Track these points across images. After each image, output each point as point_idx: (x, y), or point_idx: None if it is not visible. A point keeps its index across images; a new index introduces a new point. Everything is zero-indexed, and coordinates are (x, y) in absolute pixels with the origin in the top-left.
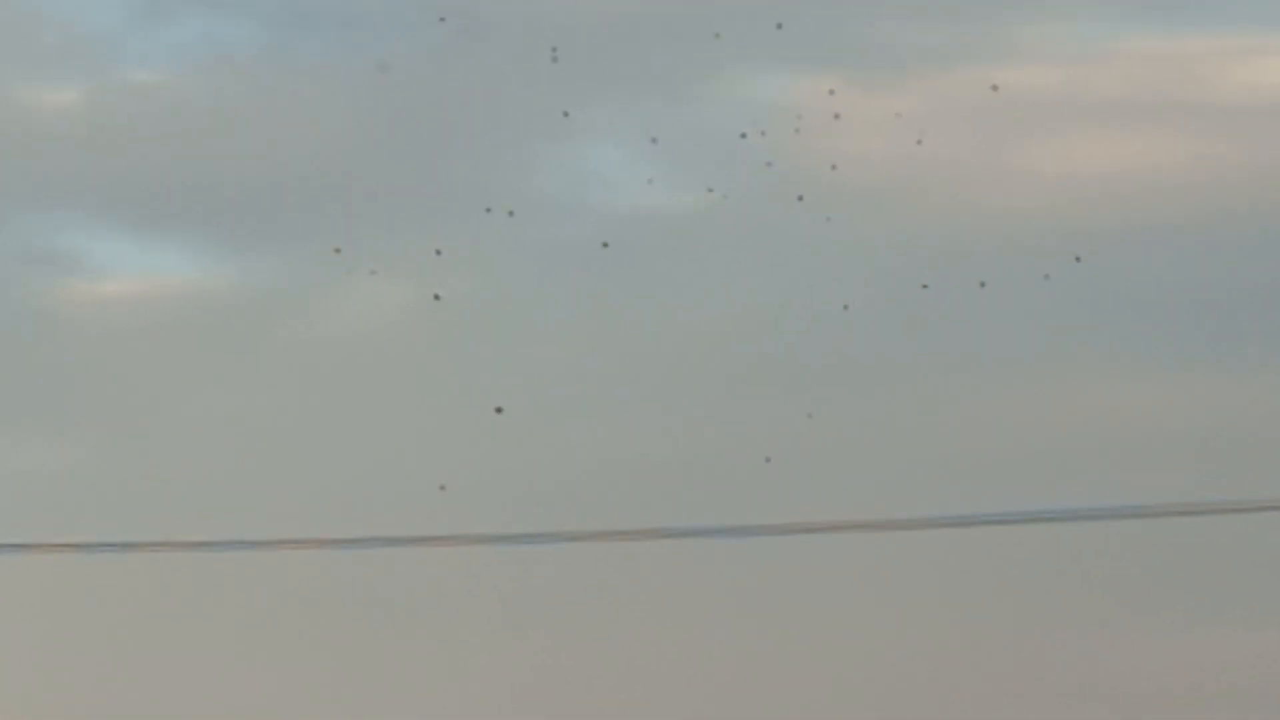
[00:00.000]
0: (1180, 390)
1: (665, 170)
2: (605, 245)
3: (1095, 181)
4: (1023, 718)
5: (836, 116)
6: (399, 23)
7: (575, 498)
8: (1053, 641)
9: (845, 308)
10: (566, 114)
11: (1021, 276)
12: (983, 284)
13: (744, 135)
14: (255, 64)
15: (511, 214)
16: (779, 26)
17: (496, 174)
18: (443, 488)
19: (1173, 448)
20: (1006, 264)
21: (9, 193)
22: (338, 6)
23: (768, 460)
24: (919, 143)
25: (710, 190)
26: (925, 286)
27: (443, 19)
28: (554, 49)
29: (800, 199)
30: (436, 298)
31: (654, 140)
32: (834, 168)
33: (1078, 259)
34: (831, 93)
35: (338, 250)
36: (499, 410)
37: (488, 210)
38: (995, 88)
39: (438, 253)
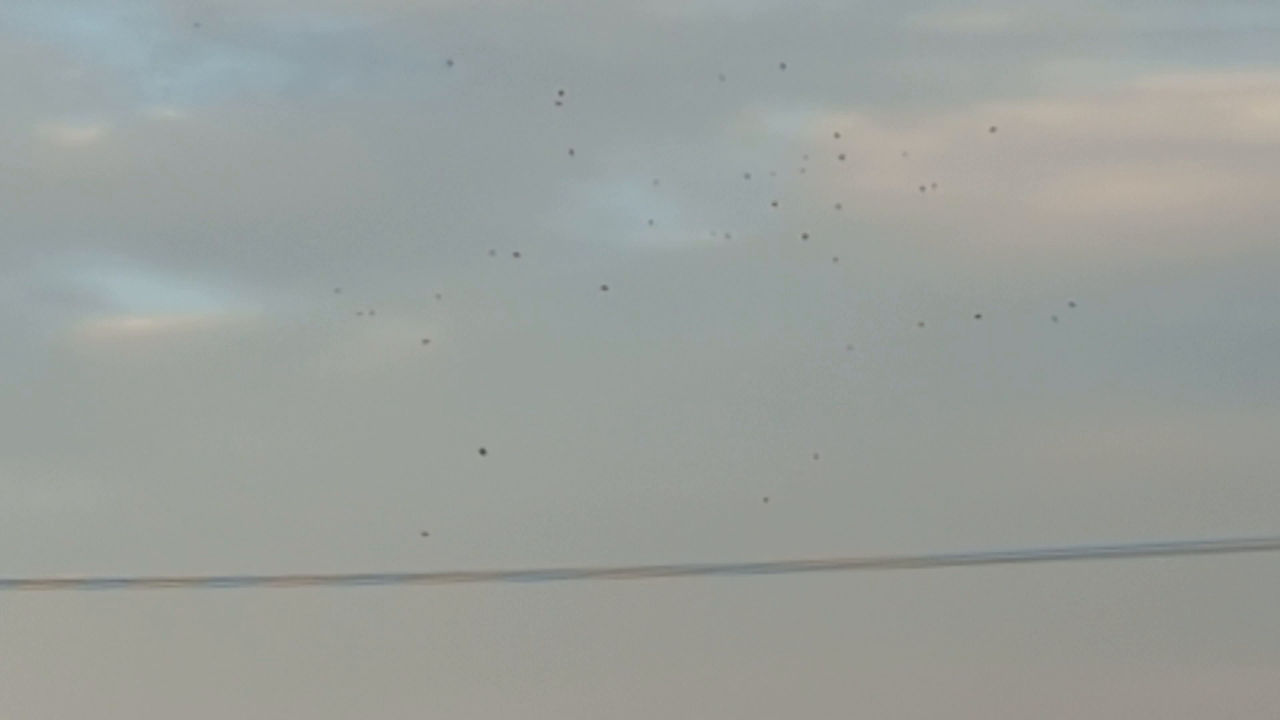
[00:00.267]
0: (1200, 428)
1: (669, 211)
2: (605, 288)
3: (1113, 219)
4: None
5: (842, 158)
6: (420, 61)
7: (582, 534)
8: (1057, 680)
9: (849, 348)
10: (572, 152)
11: (1031, 316)
12: (987, 322)
13: (748, 176)
14: (278, 101)
15: (517, 255)
16: (782, 67)
17: (504, 215)
18: (424, 534)
19: (1184, 486)
20: (1015, 303)
21: (31, 229)
22: (361, 44)
23: (766, 500)
24: (933, 187)
25: (713, 231)
26: (921, 324)
27: (450, 62)
28: (560, 92)
29: (805, 238)
30: (425, 342)
31: (656, 182)
32: (839, 207)
33: (1071, 304)
34: (837, 136)
35: (338, 290)
36: (483, 452)
37: (491, 253)
38: (993, 129)
39: (438, 296)
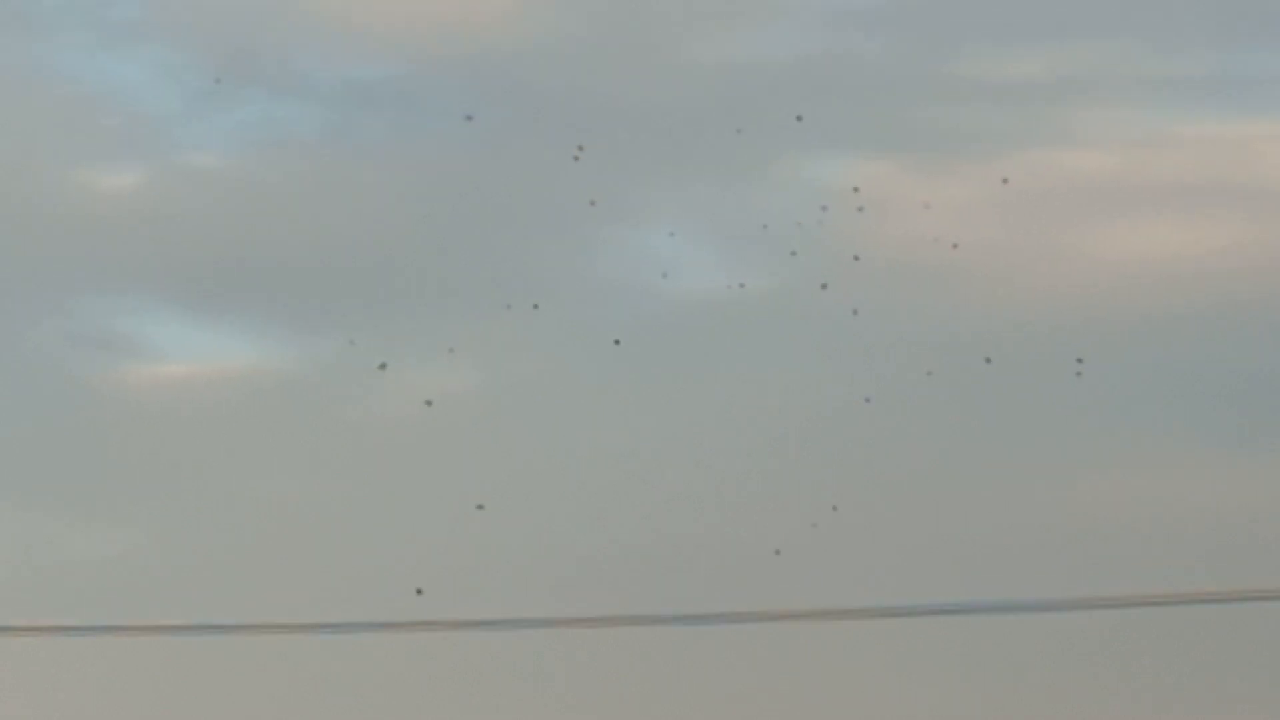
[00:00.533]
0: (1233, 473)
1: (686, 261)
2: (617, 342)
3: (1146, 265)
4: None
5: (860, 210)
6: (451, 108)
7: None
8: None
9: (867, 400)
10: (593, 203)
11: (1057, 364)
12: (1010, 371)
13: (766, 226)
14: (313, 147)
15: (536, 307)
16: (799, 119)
17: (524, 267)
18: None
19: (1214, 532)
20: (1039, 352)
21: (68, 276)
22: (395, 91)
23: (778, 553)
24: (957, 238)
25: (729, 284)
26: (930, 373)
27: (470, 117)
28: (580, 147)
29: (824, 287)
30: (429, 404)
31: (672, 234)
32: (857, 259)
33: (1079, 360)
34: (856, 190)
35: (352, 342)
36: (480, 507)
37: (508, 306)
38: (1005, 180)
39: (450, 351)
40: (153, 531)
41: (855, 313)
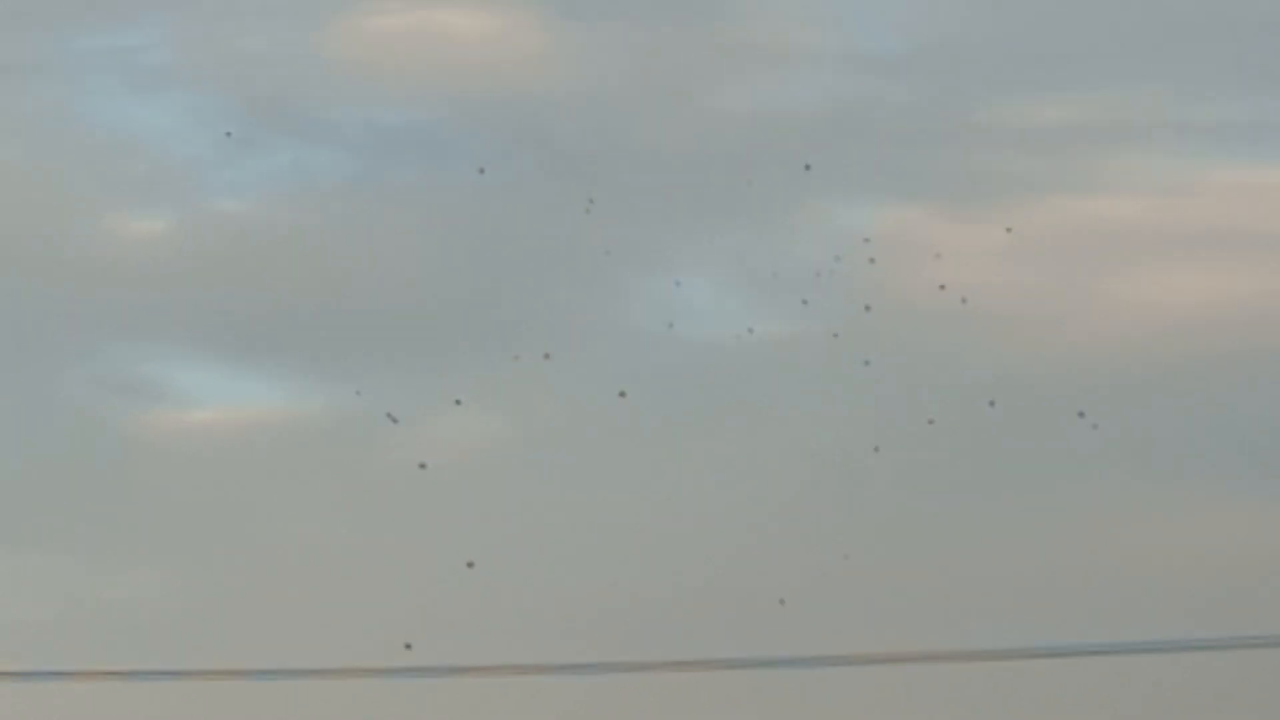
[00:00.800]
0: (1257, 523)
1: (696, 310)
2: (623, 394)
3: (1176, 312)
4: None
5: (872, 261)
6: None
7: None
8: None
9: (876, 450)
10: (609, 252)
11: (1061, 416)
12: (1025, 422)
13: (776, 275)
14: (343, 193)
15: (548, 357)
16: (807, 168)
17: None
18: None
19: (1225, 582)
20: (1056, 402)
21: (96, 321)
22: (426, 135)
23: (782, 602)
24: (963, 301)
25: (739, 333)
26: (937, 423)
27: (482, 170)
28: (591, 200)
29: (836, 336)
30: (422, 466)
31: (678, 283)
32: (868, 309)
33: (1081, 414)
34: (867, 240)
35: (359, 393)
36: (470, 565)
37: (516, 358)
38: (1009, 229)
39: (457, 402)
40: (179, 576)
41: (867, 363)
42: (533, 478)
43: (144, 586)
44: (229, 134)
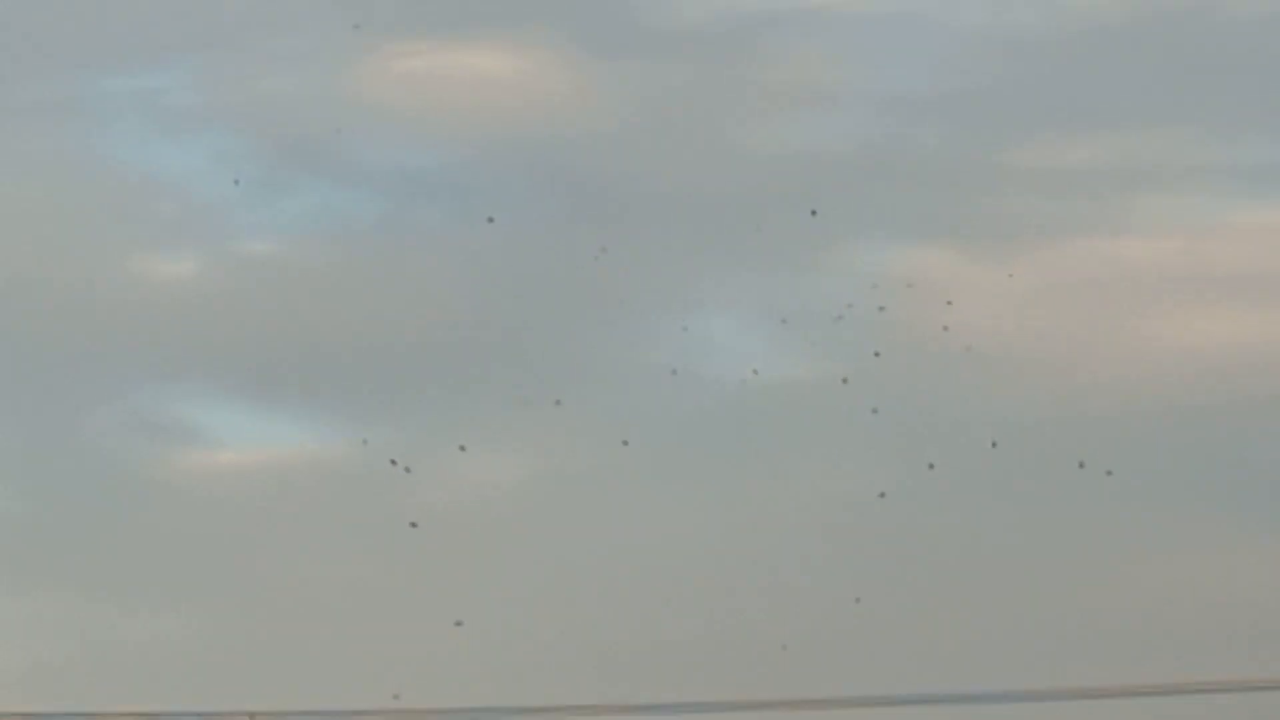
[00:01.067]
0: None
1: (702, 354)
2: (625, 443)
3: (1205, 354)
4: None
5: (881, 309)
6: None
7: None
8: None
9: (882, 495)
10: (622, 301)
11: (1059, 465)
12: (1033, 467)
13: (785, 321)
14: (370, 235)
15: (559, 403)
16: (813, 214)
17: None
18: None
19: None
20: (1059, 448)
21: (124, 363)
22: (454, 177)
23: (784, 648)
24: (968, 349)
25: (744, 377)
26: (931, 466)
27: (491, 219)
28: (603, 249)
29: (845, 381)
30: (413, 525)
31: (685, 329)
32: (877, 355)
33: (1081, 464)
34: (875, 286)
35: (365, 441)
36: (458, 624)
37: (525, 402)
38: (1011, 275)
39: (462, 448)
40: (210, 616)
41: (875, 411)
42: (540, 522)
43: (176, 627)
44: (237, 181)
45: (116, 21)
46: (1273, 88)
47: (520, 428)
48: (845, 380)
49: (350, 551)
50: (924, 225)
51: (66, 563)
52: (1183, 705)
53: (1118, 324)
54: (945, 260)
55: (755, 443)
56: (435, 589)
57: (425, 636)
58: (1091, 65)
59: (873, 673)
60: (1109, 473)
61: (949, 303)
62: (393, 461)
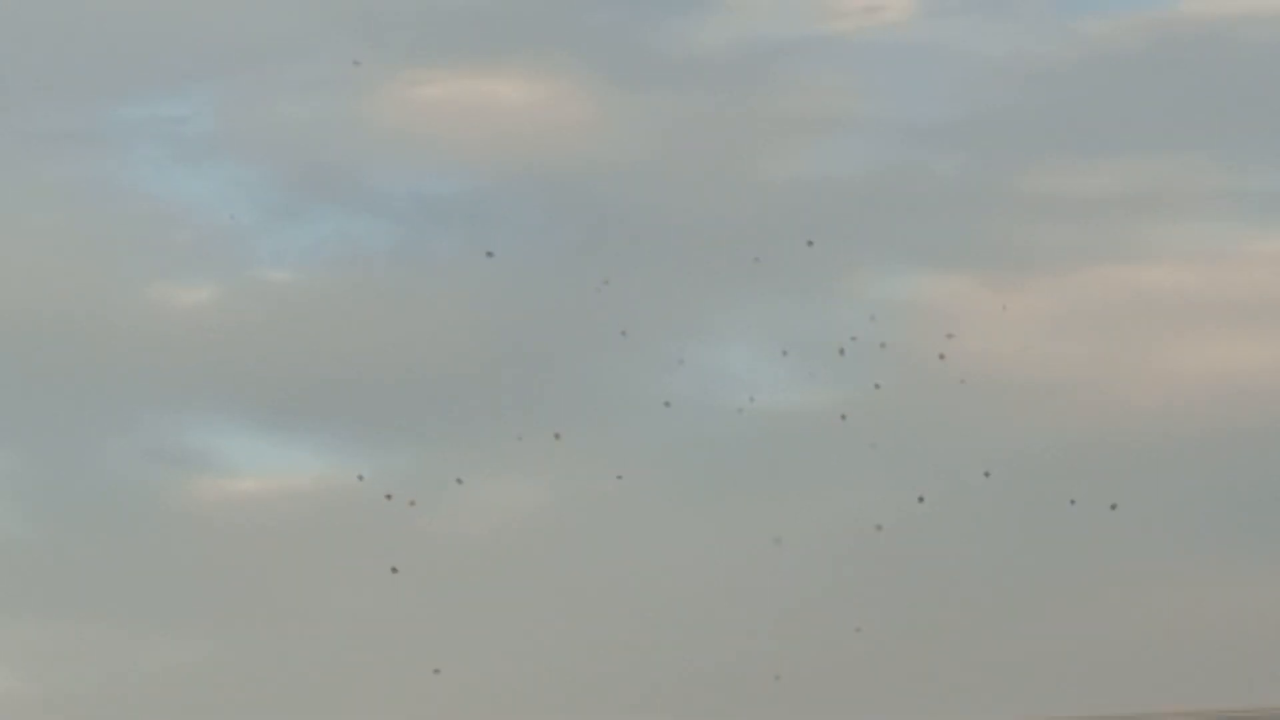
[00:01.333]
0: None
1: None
2: (619, 477)
3: (1219, 380)
4: None
5: (883, 346)
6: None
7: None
8: None
9: (879, 528)
10: (624, 333)
11: (1051, 502)
12: (1031, 501)
13: (786, 353)
14: (387, 262)
15: (558, 436)
16: (810, 244)
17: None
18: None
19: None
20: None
21: (140, 391)
22: (471, 204)
23: (777, 678)
24: (961, 381)
25: (740, 408)
26: (921, 498)
27: (490, 253)
28: (605, 280)
29: (844, 418)
30: (394, 570)
31: (681, 361)
32: (877, 387)
33: (1072, 502)
34: (873, 318)
35: (361, 477)
36: (436, 671)
37: (519, 438)
38: (1004, 308)
39: (459, 481)
40: (223, 645)
41: (874, 446)
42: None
43: (191, 655)
44: (232, 217)
45: (134, 51)
46: None
47: (520, 460)
48: (844, 417)
49: (362, 577)
50: (938, 253)
51: (82, 589)
52: None
53: (1133, 350)
54: (959, 288)
55: (749, 475)
56: (443, 614)
57: (433, 652)
58: (1105, 93)
59: (869, 703)
60: (1113, 506)
61: (949, 335)
62: (388, 496)
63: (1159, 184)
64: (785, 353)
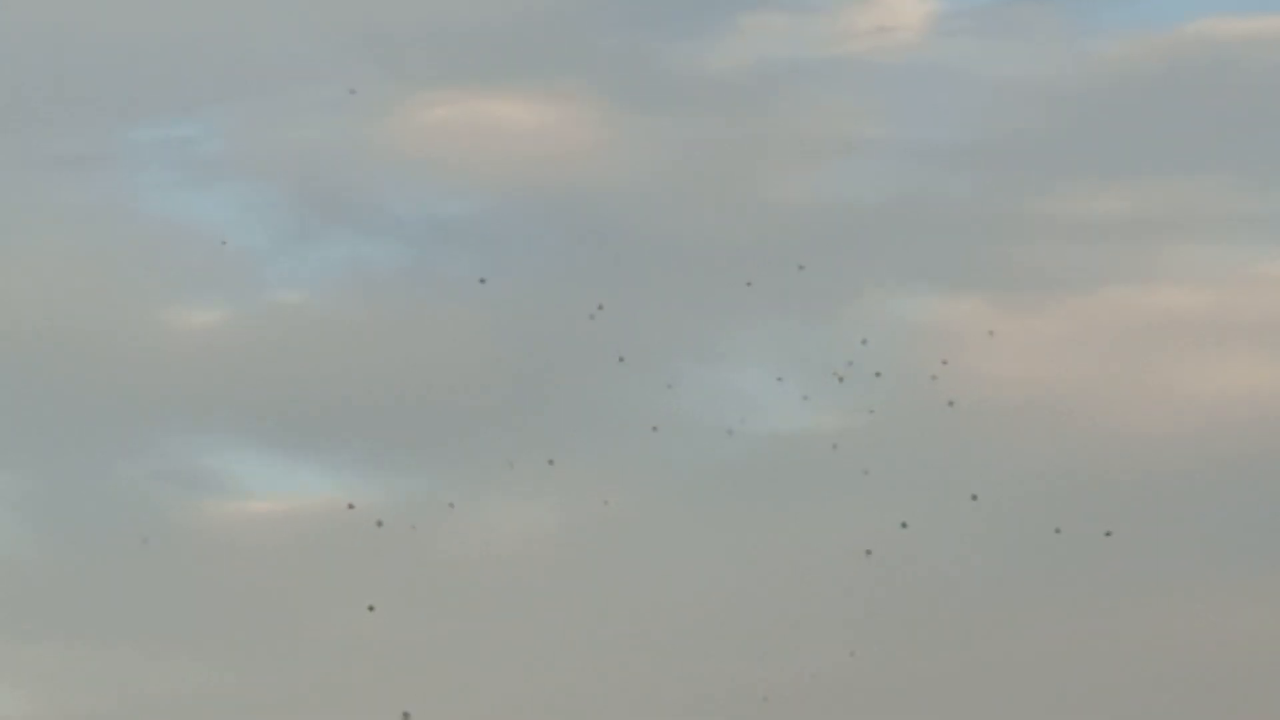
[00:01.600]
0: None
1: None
2: (606, 502)
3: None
4: None
5: (878, 375)
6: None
7: None
8: None
9: (868, 553)
10: (622, 359)
11: (1033, 531)
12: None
13: (780, 379)
14: (399, 283)
15: (551, 462)
16: (801, 268)
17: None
18: None
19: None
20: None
21: (154, 412)
22: (479, 226)
23: (765, 699)
24: (950, 404)
25: (730, 429)
26: (903, 523)
27: (483, 280)
28: (600, 306)
29: (835, 447)
30: (370, 608)
31: (670, 385)
32: (871, 412)
33: (1057, 530)
34: (864, 342)
35: (351, 506)
36: (406, 715)
37: (510, 465)
38: (1002, 331)
39: (451, 506)
40: (236, 667)
41: (866, 473)
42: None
43: (204, 677)
44: (224, 243)
45: (145, 73)
46: None
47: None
48: (835, 446)
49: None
50: (949, 276)
51: (92, 610)
52: None
53: (1146, 372)
54: (970, 311)
55: (737, 499)
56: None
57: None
58: (1118, 116)
59: None
60: (1107, 533)
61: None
62: (379, 523)
63: (1171, 206)
64: (780, 379)
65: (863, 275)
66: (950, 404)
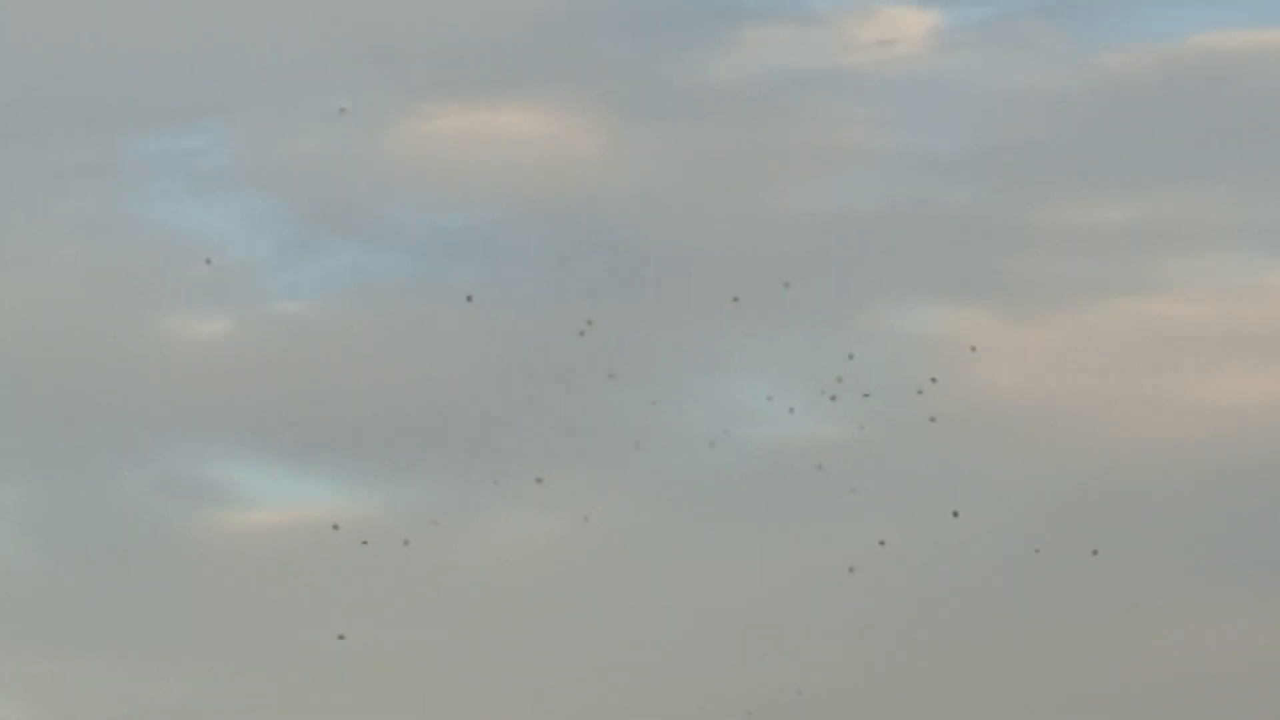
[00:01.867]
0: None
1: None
2: (586, 519)
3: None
4: None
5: (866, 396)
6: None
7: None
8: None
9: (850, 570)
10: (612, 375)
11: (1018, 553)
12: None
13: (770, 398)
14: (402, 294)
15: (539, 481)
16: (786, 286)
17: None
18: None
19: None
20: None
21: (156, 422)
22: (482, 237)
23: (749, 713)
24: (932, 420)
25: (714, 440)
26: (882, 540)
27: (470, 297)
28: (589, 321)
29: (820, 467)
30: (340, 637)
31: (654, 402)
32: (862, 427)
33: (1037, 550)
34: (851, 357)
35: (336, 527)
36: None
37: (495, 482)
38: (974, 349)
39: (434, 521)
40: (239, 677)
41: (853, 490)
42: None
43: (208, 688)
44: (209, 261)
45: (150, 84)
46: None
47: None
48: (820, 466)
49: (380, 611)
50: (951, 286)
51: (95, 622)
52: None
53: (1147, 383)
54: (971, 322)
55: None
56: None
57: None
58: (1120, 126)
59: None
60: (1094, 552)
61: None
62: (364, 542)
63: (1173, 217)
64: (770, 398)
65: (864, 287)
66: (932, 420)
